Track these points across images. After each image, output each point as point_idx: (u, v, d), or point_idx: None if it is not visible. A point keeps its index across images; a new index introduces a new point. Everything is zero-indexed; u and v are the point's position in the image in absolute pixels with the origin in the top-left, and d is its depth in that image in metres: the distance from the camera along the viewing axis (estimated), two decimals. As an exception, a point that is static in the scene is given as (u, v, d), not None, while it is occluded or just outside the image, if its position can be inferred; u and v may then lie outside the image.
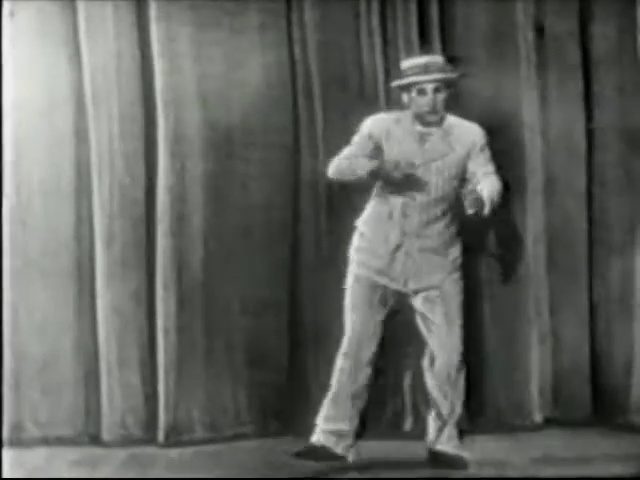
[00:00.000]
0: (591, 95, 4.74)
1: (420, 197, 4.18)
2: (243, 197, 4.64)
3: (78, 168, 4.69)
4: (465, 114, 4.65)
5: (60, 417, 4.66)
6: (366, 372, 4.24)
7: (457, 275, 4.28)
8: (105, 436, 4.64)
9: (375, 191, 4.26)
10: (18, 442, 4.57)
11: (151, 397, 4.65)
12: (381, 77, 4.65)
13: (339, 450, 4.23)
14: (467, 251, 4.56)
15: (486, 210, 4.04)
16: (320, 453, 4.22)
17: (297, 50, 4.70)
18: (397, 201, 4.19)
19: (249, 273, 4.66)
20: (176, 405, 4.62)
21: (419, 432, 4.50)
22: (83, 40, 4.63)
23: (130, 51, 4.66)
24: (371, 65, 4.66)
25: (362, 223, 4.28)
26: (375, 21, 4.65)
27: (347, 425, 4.23)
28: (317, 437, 4.24)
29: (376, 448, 4.39)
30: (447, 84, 4.17)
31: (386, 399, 4.70)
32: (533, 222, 4.73)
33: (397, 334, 4.41)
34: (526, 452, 4.39)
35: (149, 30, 4.64)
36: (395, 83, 4.23)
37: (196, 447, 4.58)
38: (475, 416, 4.70)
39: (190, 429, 4.64)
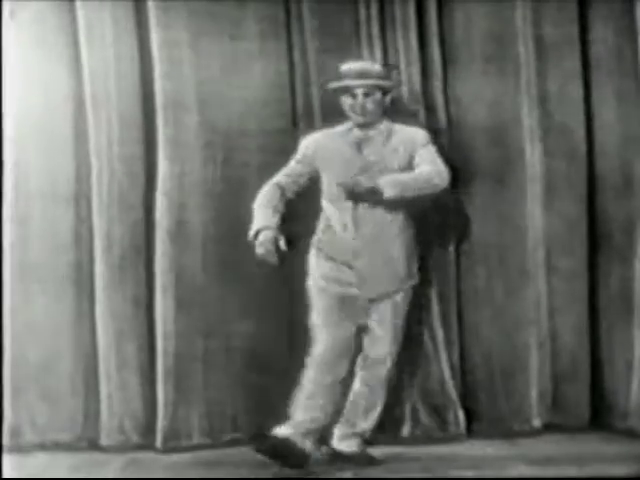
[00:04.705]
0: (591, 100, 4.74)
1: (367, 204, 4.23)
2: (241, 201, 4.62)
3: (78, 172, 4.69)
4: (465, 119, 4.69)
5: (59, 422, 4.65)
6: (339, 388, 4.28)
7: (411, 283, 4.34)
8: (104, 441, 4.63)
9: (324, 203, 4.33)
10: (17, 447, 4.56)
11: (150, 402, 4.64)
12: (384, 82, 4.62)
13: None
14: (463, 256, 4.62)
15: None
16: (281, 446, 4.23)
17: (296, 56, 4.70)
18: (347, 210, 4.26)
19: (248, 277, 4.65)
20: (174, 410, 4.61)
21: (418, 437, 4.53)
22: (82, 44, 4.63)
23: (129, 55, 4.66)
24: (371, 71, 4.65)
25: (318, 239, 4.34)
26: (375, 28, 4.64)
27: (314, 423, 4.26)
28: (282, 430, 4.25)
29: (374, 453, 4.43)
30: (382, 90, 4.28)
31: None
32: (533, 227, 4.72)
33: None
34: (525, 457, 4.37)
35: (148, 35, 4.64)
36: (330, 85, 4.33)
37: (194, 452, 4.56)
38: (474, 421, 4.70)
39: (188, 434, 4.63)
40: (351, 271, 4.27)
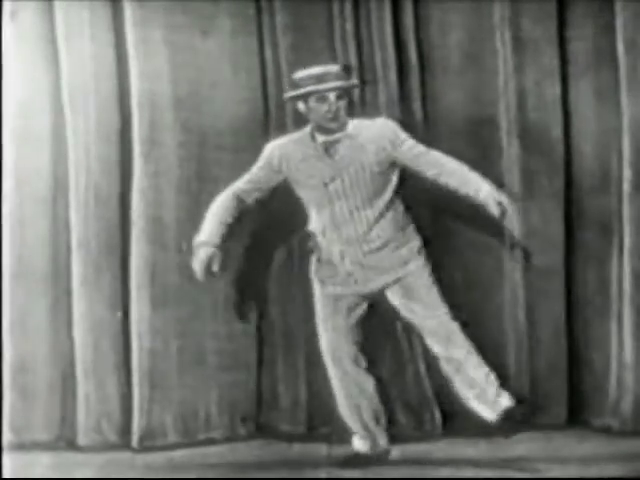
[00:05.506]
0: (568, 97, 4.71)
1: (344, 207, 4.20)
2: (217, 201, 4.65)
3: (55, 171, 4.69)
4: (442, 116, 4.67)
5: (36, 422, 4.67)
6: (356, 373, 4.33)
7: (420, 262, 4.29)
8: (81, 441, 4.66)
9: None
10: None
11: (126, 402, 4.66)
12: (355, 81, 4.61)
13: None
14: (443, 254, 4.60)
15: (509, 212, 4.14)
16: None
17: (268, 53, 4.68)
18: (324, 217, 4.24)
19: (222, 277, 4.63)
20: (150, 410, 4.63)
21: (393, 436, 4.54)
22: (60, 42, 4.63)
23: (106, 54, 4.65)
24: (344, 69, 4.64)
25: (313, 238, 4.32)
26: (349, 25, 4.61)
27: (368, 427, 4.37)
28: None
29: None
30: (346, 92, 4.19)
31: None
32: (510, 225, 4.71)
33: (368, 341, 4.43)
34: (502, 454, 4.39)
35: (125, 33, 4.63)
36: (291, 94, 4.23)
37: (169, 452, 4.59)
38: (450, 418, 4.71)
39: (163, 434, 4.66)
40: (343, 271, 4.24)
